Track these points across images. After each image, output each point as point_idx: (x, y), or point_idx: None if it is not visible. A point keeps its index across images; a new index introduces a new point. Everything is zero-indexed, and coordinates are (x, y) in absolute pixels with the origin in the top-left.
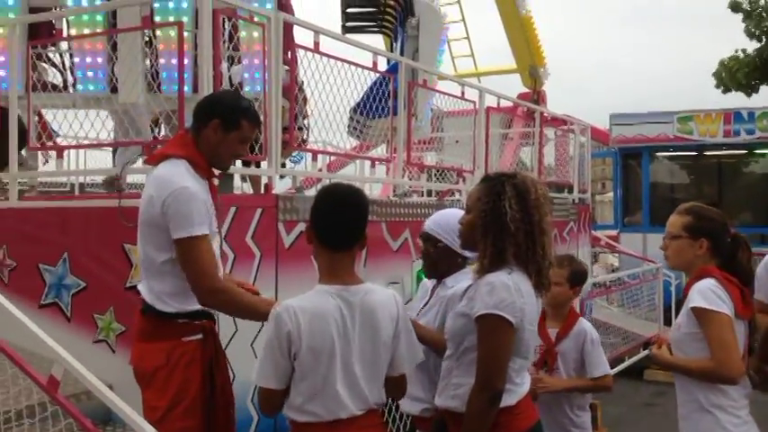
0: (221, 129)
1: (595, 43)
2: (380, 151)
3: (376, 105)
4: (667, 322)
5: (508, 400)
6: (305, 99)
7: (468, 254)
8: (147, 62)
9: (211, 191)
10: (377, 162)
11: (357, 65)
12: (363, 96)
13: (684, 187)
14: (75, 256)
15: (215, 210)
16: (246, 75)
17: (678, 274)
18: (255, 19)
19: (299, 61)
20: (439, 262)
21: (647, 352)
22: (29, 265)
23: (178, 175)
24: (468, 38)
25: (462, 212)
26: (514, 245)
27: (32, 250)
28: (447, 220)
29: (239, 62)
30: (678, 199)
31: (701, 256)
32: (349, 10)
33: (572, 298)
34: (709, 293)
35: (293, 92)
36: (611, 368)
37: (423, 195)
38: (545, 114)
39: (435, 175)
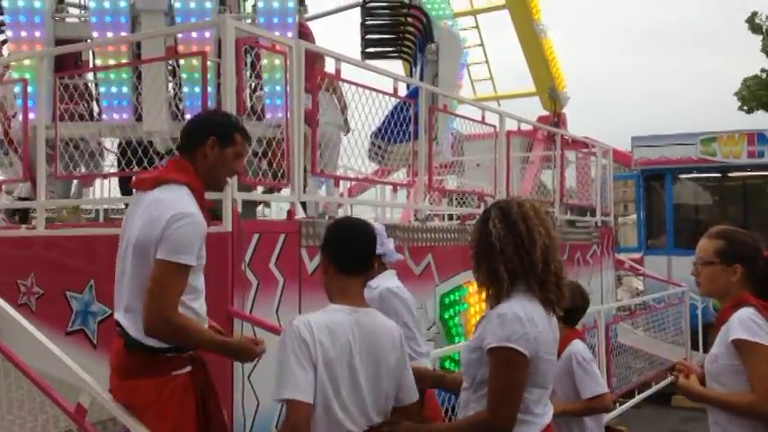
0: (218, 145)
1: (612, 65)
2: (401, 176)
3: (397, 130)
4: (694, 346)
5: (528, 431)
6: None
7: (392, 257)
8: (171, 90)
9: (205, 217)
10: (398, 187)
11: (378, 90)
12: (384, 121)
13: (709, 209)
14: (101, 283)
15: None
16: (269, 101)
17: (705, 298)
18: (277, 47)
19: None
20: None
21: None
22: (56, 293)
23: (183, 200)
24: (487, 61)
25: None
26: (504, 261)
27: (59, 278)
28: None
29: (261, 89)
30: (702, 221)
31: (736, 283)
32: (369, 36)
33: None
34: (750, 324)
35: (315, 118)
36: (639, 393)
37: (444, 219)
38: (566, 137)
39: (456, 199)
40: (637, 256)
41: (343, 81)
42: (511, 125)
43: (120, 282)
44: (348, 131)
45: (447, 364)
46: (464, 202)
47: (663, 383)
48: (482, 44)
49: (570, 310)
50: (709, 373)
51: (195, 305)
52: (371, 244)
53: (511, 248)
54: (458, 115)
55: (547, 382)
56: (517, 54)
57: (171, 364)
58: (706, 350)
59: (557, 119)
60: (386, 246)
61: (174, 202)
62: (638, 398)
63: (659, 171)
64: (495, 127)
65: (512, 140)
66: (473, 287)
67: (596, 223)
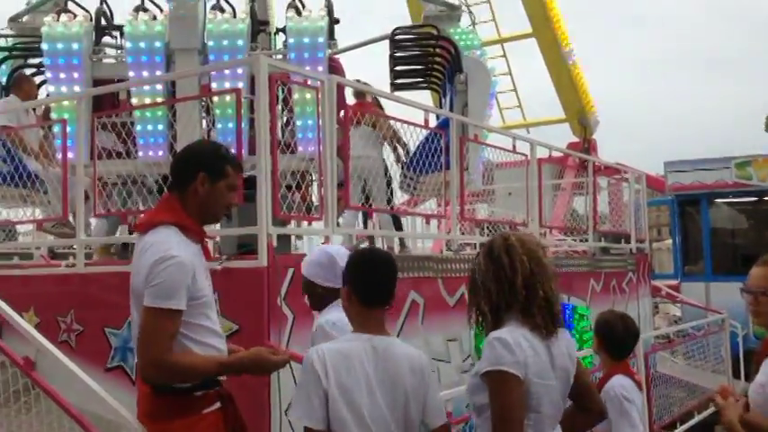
0: (208, 180)
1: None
2: (430, 205)
3: (427, 161)
4: (735, 374)
5: None
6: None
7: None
8: (205, 126)
9: (204, 253)
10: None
11: (408, 122)
12: (415, 152)
13: (746, 234)
14: None
15: (209, 272)
16: (300, 135)
17: (745, 324)
18: (309, 82)
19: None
20: (324, 298)
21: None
22: (95, 329)
23: (168, 243)
24: (515, 89)
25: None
26: (487, 296)
27: (98, 314)
28: (314, 260)
29: (293, 123)
30: (740, 246)
31: None
32: (397, 68)
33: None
34: None
35: (346, 152)
36: (681, 424)
37: (476, 249)
38: (597, 163)
39: (488, 227)
40: (673, 282)
41: (374, 114)
42: (542, 153)
43: (134, 325)
44: (399, 161)
45: None
46: (496, 231)
47: (705, 413)
48: (510, 72)
49: (612, 341)
50: (755, 401)
51: (214, 341)
52: (392, 277)
53: (492, 283)
54: (489, 144)
55: (541, 405)
56: (545, 81)
57: (200, 402)
58: (747, 378)
59: (587, 145)
60: None
61: (160, 246)
62: (680, 429)
63: (694, 196)
64: (526, 155)
65: (543, 168)
66: None
67: (631, 250)
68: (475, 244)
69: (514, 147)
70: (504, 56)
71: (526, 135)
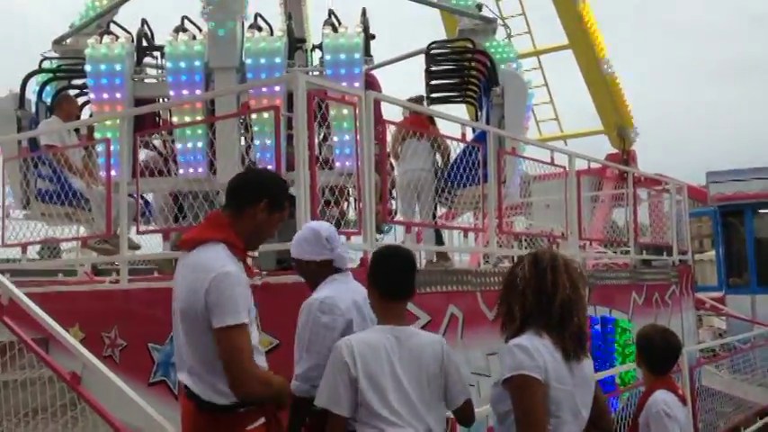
0: (268, 209)
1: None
2: (467, 218)
3: (464, 174)
4: None
5: None
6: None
7: (341, 263)
8: (243, 143)
9: (247, 270)
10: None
11: (445, 136)
12: (452, 166)
13: None
14: None
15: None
16: (338, 151)
17: None
18: (346, 98)
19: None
20: (318, 274)
21: (765, 421)
22: (138, 345)
23: (220, 260)
24: (551, 101)
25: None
26: (522, 302)
27: (141, 330)
28: (299, 239)
29: (330, 140)
30: None
31: None
32: (433, 82)
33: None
34: None
35: (384, 166)
36: None
37: (512, 261)
38: (637, 175)
39: (525, 240)
40: (717, 295)
41: (411, 128)
42: (580, 164)
43: (177, 342)
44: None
45: None
46: (534, 244)
47: (753, 427)
48: (546, 84)
49: (652, 356)
50: None
51: (258, 359)
52: (411, 271)
53: (531, 293)
54: (526, 157)
55: (561, 410)
56: (582, 92)
57: (244, 419)
58: None
59: (626, 156)
60: (336, 252)
61: (214, 262)
62: None
63: (737, 206)
64: (564, 167)
65: (582, 180)
66: None
67: (673, 262)
68: (513, 257)
69: (552, 159)
70: (540, 68)
71: (564, 147)
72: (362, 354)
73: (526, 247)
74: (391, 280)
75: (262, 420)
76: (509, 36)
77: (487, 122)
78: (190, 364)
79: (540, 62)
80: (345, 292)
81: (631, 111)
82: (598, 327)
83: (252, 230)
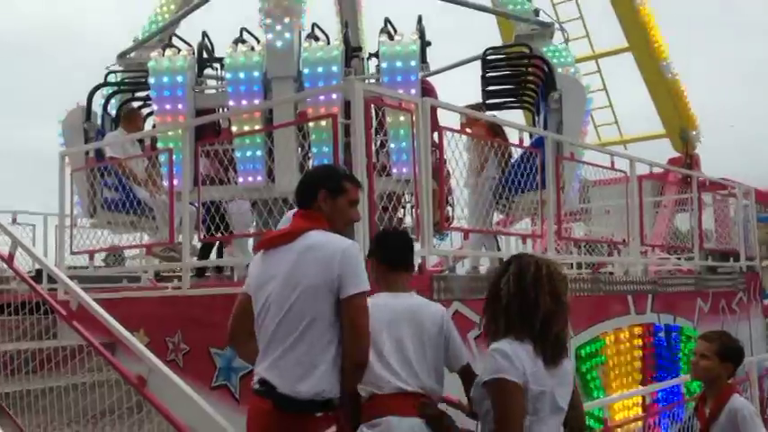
0: (329, 197)
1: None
2: (522, 225)
3: (522, 180)
4: None
5: None
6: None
7: None
8: (300, 152)
9: None
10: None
11: (503, 143)
12: (508, 172)
13: None
14: None
15: None
16: (395, 158)
17: None
18: (403, 105)
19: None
20: None
21: None
22: (201, 349)
23: (337, 237)
24: (610, 105)
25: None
26: (505, 315)
27: (203, 335)
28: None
29: (387, 146)
30: None
31: None
32: (489, 88)
33: (722, 374)
34: None
35: (442, 173)
36: None
37: (571, 268)
38: (701, 179)
39: (584, 247)
40: None
41: (468, 135)
42: (641, 169)
43: (267, 337)
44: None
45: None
46: (593, 250)
47: None
48: (605, 88)
49: (730, 348)
50: None
51: None
52: (410, 245)
53: (515, 306)
54: (586, 162)
55: (541, 409)
56: (642, 96)
57: (319, 424)
58: None
59: (689, 160)
60: None
61: (335, 239)
62: None
63: None
64: (625, 172)
65: (643, 185)
66: (610, 338)
67: (741, 268)
68: (572, 264)
69: (613, 164)
70: (599, 71)
71: (625, 152)
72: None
73: (585, 254)
74: (395, 250)
75: (333, 429)
76: (566, 40)
77: (545, 128)
78: (277, 356)
79: (598, 65)
80: None
81: (695, 113)
82: (662, 335)
83: (330, 220)
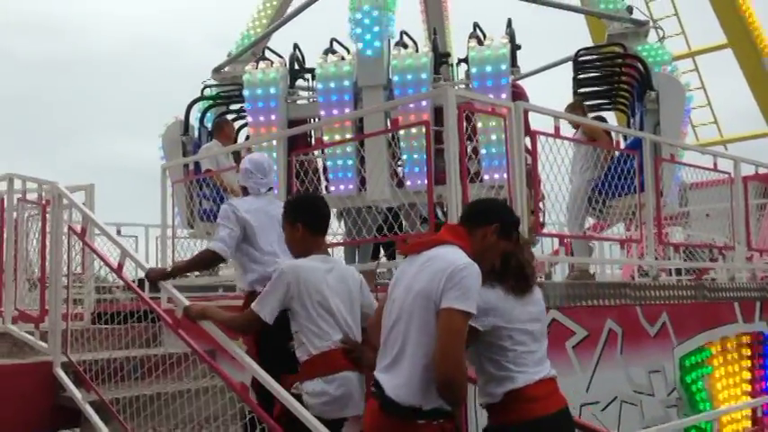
0: (498, 233)
1: None
2: (616, 230)
3: (617, 183)
4: None
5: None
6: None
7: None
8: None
9: None
10: (620, 242)
11: (598, 145)
12: (603, 175)
13: None
14: None
15: None
16: (486, 163)
17: None
18: (495, 110)
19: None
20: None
21: None
22: None
23: (462, 256)
24: (709, 105)
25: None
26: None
27: None
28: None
29: (478, 153)
30: None
31: None
32: (582, 90)
33: None
34: None
35: (536, 178)
36: None
37: (670, 274)
38: None
39: (684, 252)
40: None
41: (563, 138)
42: (746, 170)
43: (383, 339)
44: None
45: None
46: (693, 256)
47: None
48: (703, 87)
49: None
50: None
51: None
52: (329, 212)
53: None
54: (687, 164)
55: (518, 345)
56: (743, 93)
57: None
58: None
59: None
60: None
61: (458, 256)
62: None
63: None
64: (728, 173)
65: (748, 186)
66: (716, 348)
67: None
68: (671, 269)
69: (715, 165)
70: (696, 70)
71: (728, 152)
72: (304, 277)
73: (684, 259)
74: (318, 217)
75: None
76: (662, 38)
77: (641, 129)
78: (391, 359)
79: (695, 63)
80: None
81: None
82: None
83: (480, 250)
